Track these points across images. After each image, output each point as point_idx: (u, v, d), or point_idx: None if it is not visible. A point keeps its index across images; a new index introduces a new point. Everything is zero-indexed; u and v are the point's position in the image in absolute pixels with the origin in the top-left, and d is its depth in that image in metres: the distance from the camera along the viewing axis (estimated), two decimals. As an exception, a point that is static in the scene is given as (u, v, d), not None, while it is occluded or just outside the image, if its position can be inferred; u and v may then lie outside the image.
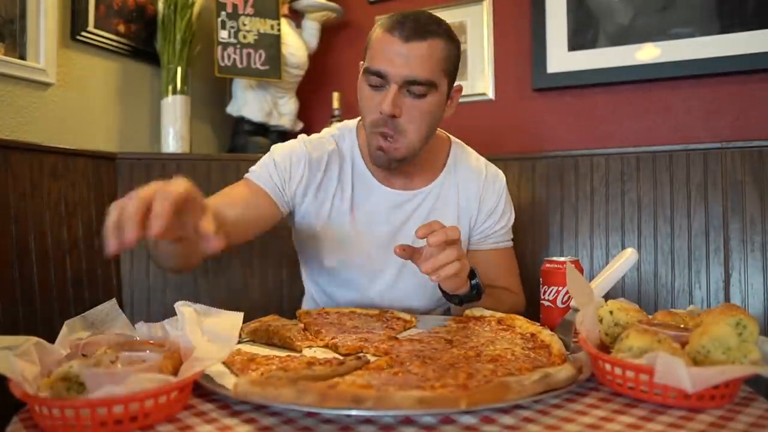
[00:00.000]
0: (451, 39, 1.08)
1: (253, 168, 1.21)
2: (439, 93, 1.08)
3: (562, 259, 1.02)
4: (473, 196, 1.24)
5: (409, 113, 1.06)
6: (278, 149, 1.22)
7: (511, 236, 1.32)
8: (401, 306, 1.18)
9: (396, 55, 1.03)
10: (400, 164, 1.13)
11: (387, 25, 1.06)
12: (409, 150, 1.10)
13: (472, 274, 1.03)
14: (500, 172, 1.30)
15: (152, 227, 0.63)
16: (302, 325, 1.00)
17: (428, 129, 1.11)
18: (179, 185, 0.67)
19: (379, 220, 1.20)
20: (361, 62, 1.13)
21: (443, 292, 1.06)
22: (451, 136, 1.31)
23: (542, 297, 1.03)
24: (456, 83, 1.15)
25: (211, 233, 0.68)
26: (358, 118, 1.23)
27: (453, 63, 1.10)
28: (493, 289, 1.19)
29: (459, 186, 1.24)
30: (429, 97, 1.06)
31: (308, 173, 1.18)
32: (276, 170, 1.18)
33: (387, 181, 1.21)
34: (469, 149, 1.31)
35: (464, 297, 1.04)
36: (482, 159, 1.30)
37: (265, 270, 1.64)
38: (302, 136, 1.25)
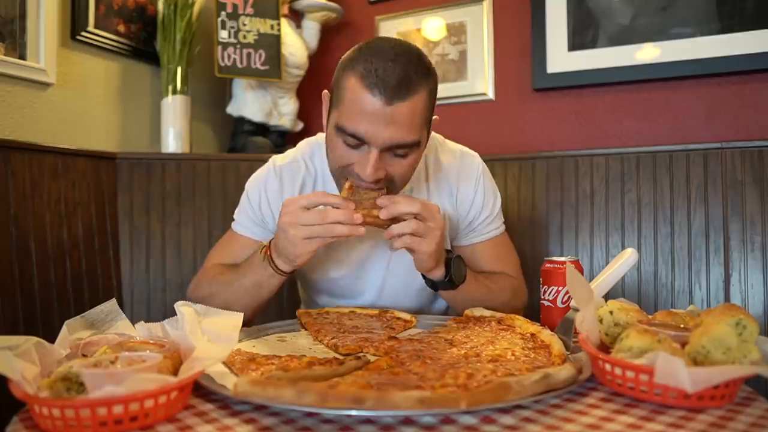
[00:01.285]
0: (429, 78, 0.97)
1: (235, 216, 1.22)
2: (421, 146, 1.01)
3: (562, 259, 1.02)
4: (445, 193, 1.19)
5: (393, 171, 0.99)
6: (251, 186, 1.21)
7: (501, 222, 1.25)
8: (396, 294, 1.20)
9: (378, 120, 0.92)
10: None
11: (364, 76, 0.92)
12: (394, 191, 1.05)
13: (449, 261, 1.04)
14: (475, 158, 1.22)
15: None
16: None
17: (411, 175, 1.05)
18: None
19: (357, 239, 1.15)
20: (326, 92, 1.04)
21: (424, 277, 1.07)
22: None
23: (542, 297, 1.03)
24: (434, 117, 1.06)
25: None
26: None
27: (433, 106, 1.01)
28: (489, 275, 1.18)
29: (431, 185, 1.20)
30: (412, 154, 0.99)
31: (281, 200, 1.12)
32: (254, 213, 1.19)
33: None
34: (439, 142, 1.24)
35: (439, 283, 1.05)
36: (456, 151, 1.23)
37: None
38: (274, 159, 1.22)
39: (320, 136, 1.22)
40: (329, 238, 0.94)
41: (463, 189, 1.19)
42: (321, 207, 0.95)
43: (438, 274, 1.03)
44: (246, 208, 1.21)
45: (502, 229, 1.26)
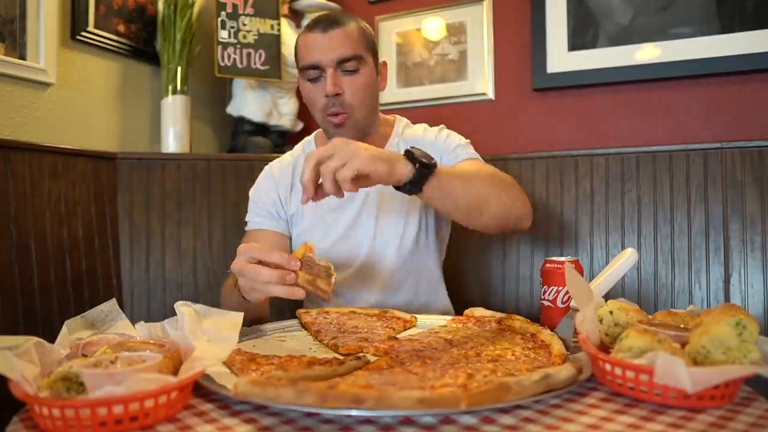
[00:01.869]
0: (361, 24, 1.25)
1: (246, 219, 1.36)
2: (369, 66, 1.23)
3: (562, 259, 1.02)
4: (421, 139, 1.31)
5: (350, 89, 1.20)
6: (252, 189, 1.37)
7: (474, 152, 1.29)
8: (382, 267, 1.28)
9: (321, 45, 1.19)
10: (361, 136, 1.23)
11: (306, 28, 1.23)
12: (361, 119, 1.24)
13: (410, 155, 0.96)
14: (441, 126, 1.37)
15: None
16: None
17: (371, 100, 1.24)
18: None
19: (341, 206, 1.29)
20: (296, 71, 1.29)
21: (401, 189, 0.98)
22: (396, 116, 1.41)
23: (542, 297, 1.03)
24: (381, 59, 1.31)
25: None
26: (316, 131, 1.39)
27: (370, 41, 1.26)
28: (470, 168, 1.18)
29: (403, 143, 1.31)
30: (361, 70, 1.21)
31: (279, 187, 1.33)
32: (259, 206, 1.33)
33: None
34: (415, 125, 1.39)
35: (415, 178, 0.95)
36: (429, 128, 1.37)
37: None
38: (270, 164, 1.40)
39: (307, 138, 1.42)
40: (269, 293, 0.90)
41: (431, 141, 1.31)
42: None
43: (406, 171, 0.94)
44: (252, 208, 1.35)
45: (477, 156, 1.28)
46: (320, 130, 1.36)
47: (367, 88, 1.23)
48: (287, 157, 1.39)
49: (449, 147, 1.30)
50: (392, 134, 1.35)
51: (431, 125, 1.39)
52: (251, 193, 1.36)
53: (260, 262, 0.90)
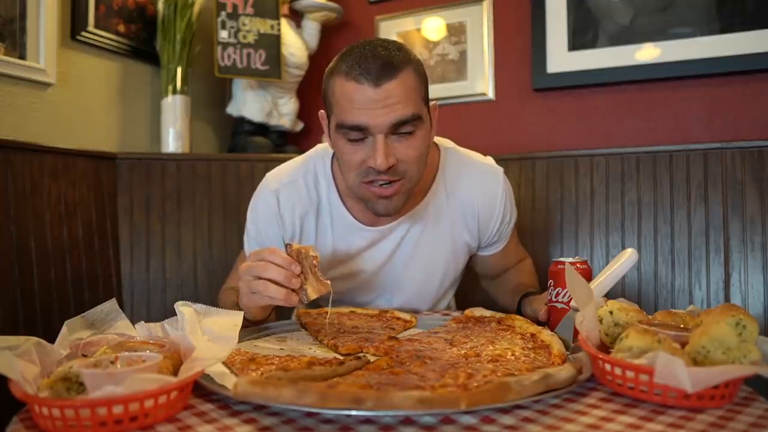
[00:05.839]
0: (411, 60, 0.99)
1: (244, 239, 1.22)
2: (425, 122, 1.01)
3: (571, 259, 1.01)
4: (468, 214, 1.18)
5: (404, 155, 0.98)
6: (249, 214, 1.19)
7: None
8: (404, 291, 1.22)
9: (372, 103, 0.93)
10: (406, 204, 1.06)
11: (348, 72, 0.95)
12: (412, 185, 1.04)
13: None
14: (499, 171, 1.21)
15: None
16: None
17: (424, 161, 1.04)
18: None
19: (364, 259, 1.16)
20: (321, 111, 1.06)
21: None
22: (439, 143, 1.21)
23: (553, 299, 1.00)
24: (431, 102, 1.07)
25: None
26: (331, 152, 1.14)
27: (425, 86, 1.02)
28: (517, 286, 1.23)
29: (452, 206, 1.17)
30: (418, 132, 0.99)
31: (283, 230, 1.16)
32: (258, 235, 1.18)
33: (367, 219, 1.14)
34: (462, 152, 1.22)
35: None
36: (476, 160, 1.21)
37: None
38: (270, 182, 1.17)
39: (321, 154, 1.18)
40: (267, 298, 0.88)
41: (485, 210, 1.19)
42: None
43: None
44: (249, 232, 1.20)
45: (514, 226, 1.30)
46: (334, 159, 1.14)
47: (422, 151, 1.00)
48: (293, 178, 1.16)
49: (506, 224, 1.22)
50: (435, 179, 1.15)
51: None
52: (249, 215, 1.19)
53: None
